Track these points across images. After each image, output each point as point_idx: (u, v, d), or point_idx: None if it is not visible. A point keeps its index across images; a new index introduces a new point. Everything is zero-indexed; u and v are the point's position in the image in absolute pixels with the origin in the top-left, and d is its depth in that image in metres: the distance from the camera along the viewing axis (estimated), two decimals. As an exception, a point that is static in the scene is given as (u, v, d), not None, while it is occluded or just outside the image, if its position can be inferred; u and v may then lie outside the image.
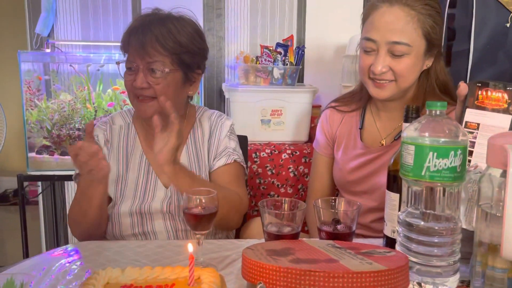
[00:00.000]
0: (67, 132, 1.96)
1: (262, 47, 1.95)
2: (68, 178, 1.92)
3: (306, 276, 0.65)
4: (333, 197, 0.97)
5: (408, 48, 1.13)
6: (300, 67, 2.02)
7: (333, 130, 1.36)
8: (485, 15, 1.32)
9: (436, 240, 0.73)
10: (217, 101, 2.22)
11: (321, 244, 0.82)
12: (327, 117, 1.38)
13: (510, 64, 1.33)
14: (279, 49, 1.94)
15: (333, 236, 0.89)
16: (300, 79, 2.19)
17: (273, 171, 1.79)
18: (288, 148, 1.82)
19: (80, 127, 1.98)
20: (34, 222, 2.33)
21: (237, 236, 1.36)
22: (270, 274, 0.67)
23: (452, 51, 1.41)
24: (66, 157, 1.97)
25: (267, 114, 1.88)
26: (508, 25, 1.31)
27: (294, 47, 1.98)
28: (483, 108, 0.86)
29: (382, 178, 1.09)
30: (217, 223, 0.98)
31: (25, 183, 2.10)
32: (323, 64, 2.20)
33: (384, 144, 1.26)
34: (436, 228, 0.74)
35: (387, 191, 0.94)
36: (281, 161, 1.80)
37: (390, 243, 0.92)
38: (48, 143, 1.99)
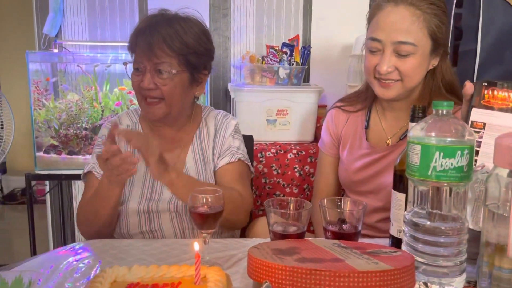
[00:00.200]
0: (74, 131, 1.98)
1: (268, 47, 1.95)
2: (75, 177, 1.94)
3: (311, 275, 0.65)
4: (339, 197, 0.97)
5: (413, 47, 1.13)
6: (306, 67, 2.02)
7: (339, 130, 1.36)
8: (492, 14, 1.31)
9: (442, 240, 0.73)
10: (223, 101, 2.23)
11: (327, 243, 0.82)
12: (333, 117, 1.38)
13: (517, 63, 1.32)
14: (285, 49, 1.94)
15: (339, 236, 0.89)
16: (306, 79, 2.18)
17: (279, 171, 1.80)
18: (293, 148, 1.82)
19: (87, 126, 1.99)
20: (42, 221, 2.36)
21: (243, 235, 1.36)
22: (276, 273, 0.67)
23: (459, 50, 1.41)
24: (73, 156, 1.99)
25: (273, 114, 1.88)
26: (515, 24, 1.30)
27: (300, 47, 1.98)
28: (490, 108, 0.86)
29: (388, 178, 1.09)
30: (221, 223, 0.98)
31: (33, 182, 2.13)
32: (329, 64, 2.19)
33: (389, 144, 1.26)
34: (443, 228, 0.74)
35: (393, 191, 0.93)
36: (287, 160, 1.80)
37: (396, 243, 0.91)
38: (55, 143, 2.00)
